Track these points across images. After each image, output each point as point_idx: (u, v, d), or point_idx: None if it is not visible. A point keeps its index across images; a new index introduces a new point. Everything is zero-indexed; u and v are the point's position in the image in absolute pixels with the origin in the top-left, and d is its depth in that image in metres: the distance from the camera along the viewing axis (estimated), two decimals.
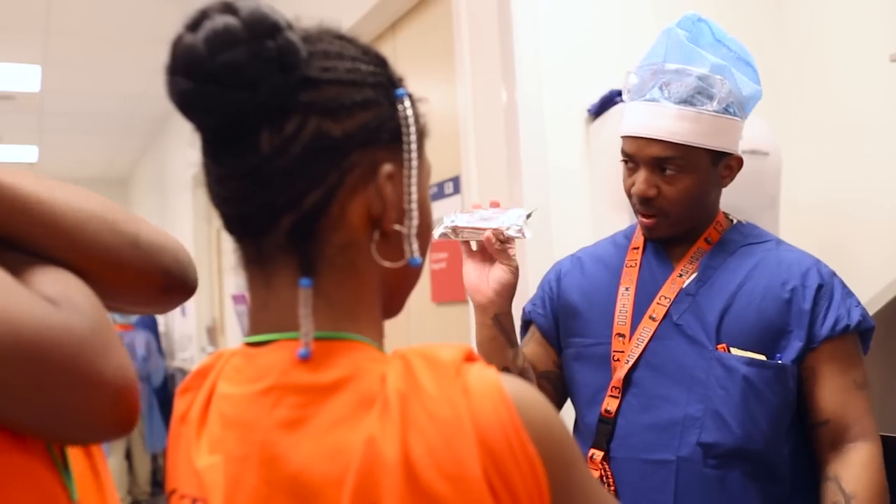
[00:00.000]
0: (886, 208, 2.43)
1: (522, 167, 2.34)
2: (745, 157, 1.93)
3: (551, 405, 0.77)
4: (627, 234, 1.69)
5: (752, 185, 2.19)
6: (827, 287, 1.50)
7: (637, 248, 1.62)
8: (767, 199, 2.24)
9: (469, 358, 0.76)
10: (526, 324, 1.75)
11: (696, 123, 1.47)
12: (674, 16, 1.67)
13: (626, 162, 1.55)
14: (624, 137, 1.55)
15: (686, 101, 1.48)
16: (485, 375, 0.74)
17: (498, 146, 2.45)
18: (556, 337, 1.67)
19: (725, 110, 1.50)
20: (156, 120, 8.03)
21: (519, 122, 2.35)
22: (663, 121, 1.48)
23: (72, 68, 6.40)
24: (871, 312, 1.84)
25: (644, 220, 1.55)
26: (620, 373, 1.51)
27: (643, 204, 1.53)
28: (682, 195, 1.50)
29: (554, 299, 1.68)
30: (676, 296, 1.53)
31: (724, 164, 1.54)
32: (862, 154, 2.50)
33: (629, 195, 1.56)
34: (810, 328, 1.47)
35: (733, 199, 2.08)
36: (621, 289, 1.58)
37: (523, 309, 1.75)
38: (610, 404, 1.52)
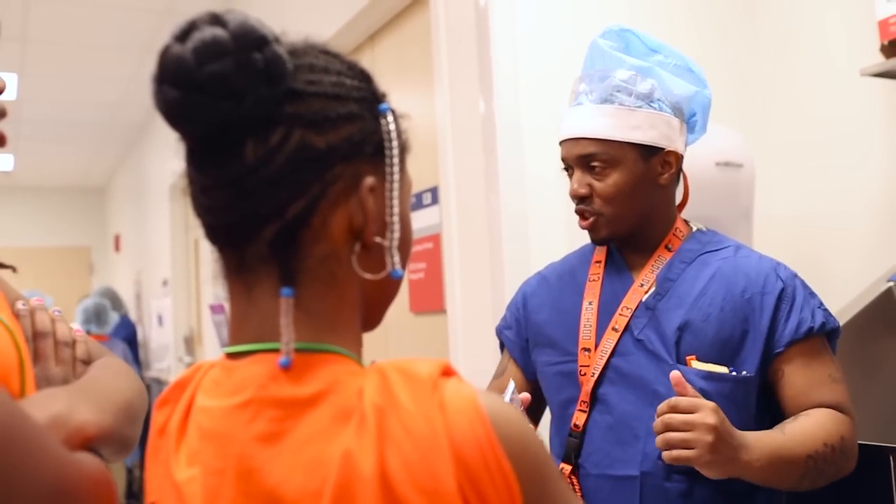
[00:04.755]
0: (859, 220, 2.47)
1: (500, 178, 2.35)
2: (718, 170, 1.93)
3: (527, 421, 0.78)
4: (592, 248, 1.68)
5: (726, 196, 2.22)
6: (788, 290, 1.49)
7: (599, 262, 1.63)
8: (741, 211, 2.27)
9: (446, 373, 0.77)
10: (501, 344, 1.77)
11: (614, 118, 1.51)
12: (650, 31, 1.69)
13: (565, 169, 1.59)
14: (561, 144, 1.59)
15: (606, 101, 1.53)
16: (461, 391, 0.75)
17: (476, 157, 2.47)
18: (527, 360, 1.68)
19: (649, 105, 1.52)
20: (133, 129, 7.98)
21: (497, 133, 2.36)
22: (585, 120, 1.53)
23: (49, 77, 6.36)
24: (842, 322, 1.86)
25: (582, 221, 1.56)
26: (588, 387, 1.52)
27: (579, 204, 1.55)
28: (613, 190, 1.51)
29: (521, 322, 1.69)
30: (637, 308, 1.52)
31: (658, 160, 1.54)
32: (834, 167, 2.54)
33: (572, 200, 1.58)
34: (772, 334, 1.47)
35: (708, 211, 2.10)
36: (585, 303, 1.59)
37: (496, 329, 1.77)
38: (578, 419, 1.52)
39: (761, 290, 1.49)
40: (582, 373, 1.54)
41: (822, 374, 1.47)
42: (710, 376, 1.44)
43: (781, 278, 1.51)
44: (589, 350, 1.54)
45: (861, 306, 2.01)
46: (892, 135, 2.40)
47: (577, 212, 1.56)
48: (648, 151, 1.52)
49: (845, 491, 1.52)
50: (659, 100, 1.53)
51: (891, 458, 1.58)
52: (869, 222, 2.45)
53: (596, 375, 1.51)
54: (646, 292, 1.54)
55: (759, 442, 1.36)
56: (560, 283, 1.67)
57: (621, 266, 1.60)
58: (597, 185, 1.52)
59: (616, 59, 1.56)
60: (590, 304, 1.58)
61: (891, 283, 2.03)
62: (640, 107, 1.51)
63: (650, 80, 1.53)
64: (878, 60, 2.19)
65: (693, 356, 1.46)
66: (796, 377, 1.47)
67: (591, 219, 1.54)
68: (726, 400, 1.42)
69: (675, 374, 1.34)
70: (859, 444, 1.50)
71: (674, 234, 1.59)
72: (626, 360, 1.50)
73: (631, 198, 1.53)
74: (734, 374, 1.45)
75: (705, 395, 1.41)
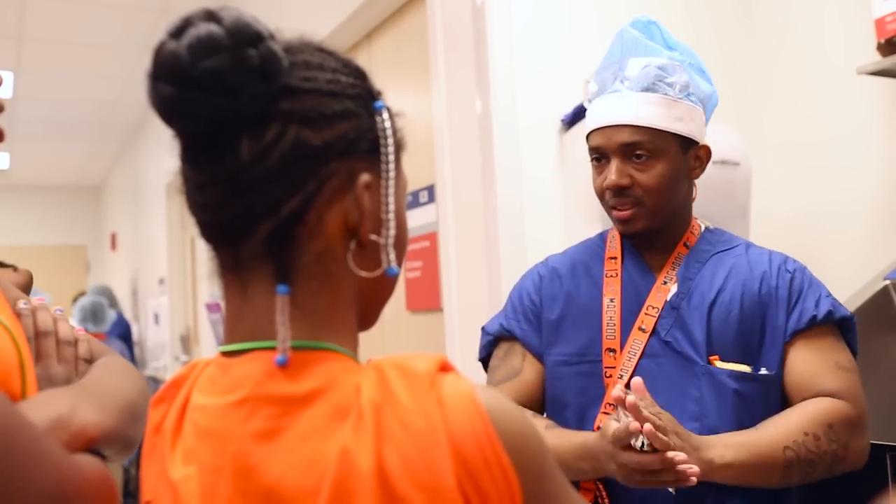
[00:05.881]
0: (856, 219, 2.47)
1: (497, 176, 2.35)
2: (715, 168, 1.90)
3: (526, 415, 0.78)
4: (600, 243, 1.64)
5: (724, 195, 2.21)
6: (796, 281, 1.48)
7: (615, 258, 1.57)
8: (738, 210, 2.27)
9: (443, 368, 0.76)
10: (496, 340, 1.64)
11: (660, 107, 1.47)
12: None
13: (596, 160, 1.53)
14: (591, 133, 1.53)
15: (648, 89, 1.48)
16: (459, 386, 0.75)
17: (472, 155, 2.46)
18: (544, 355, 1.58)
19: (687, 97, 1.50)
20: (130, 127, 7.97)
21: (493, 132, 2.36)
22: (629, 107, 1.47)
23: (45, 75, 6.34)
24: None
25: (619, 212, 1.50)
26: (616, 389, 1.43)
27: (618, 195, 1.48)
28: (656, 182, 1.47)
29: (537, 311, 1.59)
30: (663, 307, 1.48)
31: (692, 154, 1.52)
32: (831, 165, 2.54)
33: (601, 195, 1.52)
34: (784, 327, 1.46)
35: (705, 209, 2.09)
36: (606, 300, 1.52)
37: (498, 324, 1.64)
38: (604, 422, 1.43)
39: (775, 286, 1.48)
40: (608, 374, 1.48)
41: (828, 362, 1.44)
42: (743, 376, 1.42)
43: (789, 270, 1.50)
44: (614, 350, 1.49)
45: (857, 304, 2.01)
46: (889, 133, 2.40)
47: (613, 204, 1.50)
48: (686, 144, 1.50)
49: (842, 490, 1.51)
50: (692, 93, 1.50)
51: (887, 456, 1.58)
52: (866, 221, 2.45)
53: (626, 378, 1.45)
54: (669, 290, 1.50)
55: (722, 441, 1.34)
56: (573, 276, 1.60)
57: (640, 263, 1.55)
58: (639, 175, 1.47)
59: (650, 49, 1.52)
60: (611, 301, 1.52)
61: (887, 282, 2.04)
62: (681, 98, 1.48)
63: (685, 72, 1.50)
64: (875, 59, 2.19)
65: (716, 356, 1.43)
66: (798, 365, 1.45)
67: (632, 210, 1.48)
68: (759, 400, 1.40)
69: (636, 381, 1.31)
70: None
71: (690, 232, 1.57)
72: (655, 363, 1.46)
73: (670, 191, 1.49)
74: (759, 373, 1.44)
75: (740, 396, 1.40)
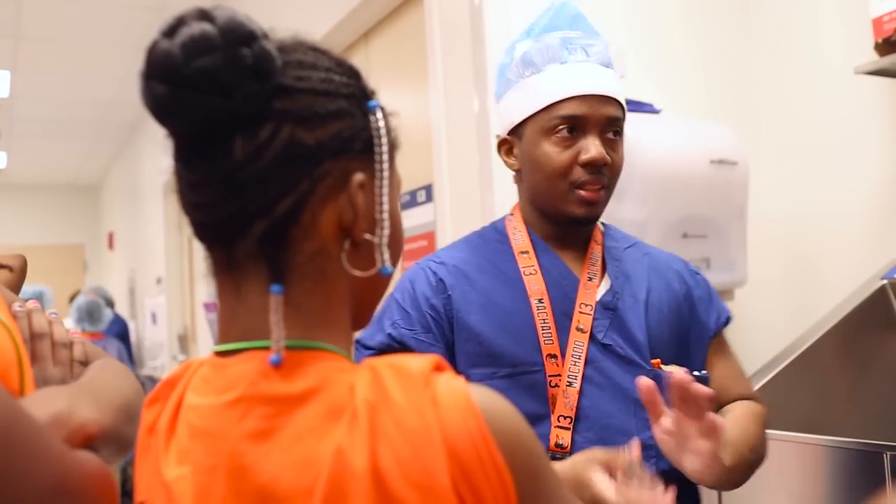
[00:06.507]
0: (853, 218, 2.47)
1: (494, 176, 2.35)
2: (713, 167, 1.88)
3: (520, 415, 0.78)
4: (500, 236, 1.46)
5: (721, 194, 2.21)
6: (702, 283, 1.46)
7: (527, 253, 1.40)
8: (736, 209, 2.27)
9: (438, 368, 0.76)
10: (386, 350, 1.36)
11: (620, 87, 1.38)
12: (643, 30, 1.68)
13: (568, 131, 1.34)
14: (568, 100, 1.33)
15: (608, 65, 1.37)
16: (453, 385, 0.74)
17: (470, 155, 2.46)
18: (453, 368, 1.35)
19: (621, 79, 1.42)
20: (127, 126, 7.97)
21: (491, 131, 2.36)
22: (609, 80, 1.35)
23: (42, 74, 6.34)
24: (836, 320, 1.86)
25: (590, 193, 1.33)
26: (572, 399, 1.30)
27: (596, 173, 1.33)
28: (621, 165, 1.36)
29: (440, 319, 1.36)
30: (595, 307, 1.35)
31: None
32: (828, 165, 2.54)
33: (566, 171, 1.34)
34: (705, 330, 1.43)
35: (702, 209, 2.09)
36: (533, 301, 1.35)
37: (385, 335, 1.38)
38: (562, 437, 1.29)
39: (692, 285, 1.45)
40: (553, 383, 1.31)
41: (735, 368, 1.45)
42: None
43: (695, 272, 1.48)
44: (556, 356, 1.32)
45: (855, 304, 2.01)
46: (887, 133, 2.40)
47: (585, 181, 1.33)
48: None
49: (840, 489, 1.52)
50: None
51: (885, 456, 1.58)
52: (863, 220, 2.45)
53: (577, 385, 1.31)
54: (597, 287, 1.37)
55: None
56: (484, 276, 1.39)
57: (555, 258, 1.40)
58: (612, 154, 1.34)
59: (589, 27, 1.42)
60: (540, 301, 1.35)
61: (884, 282, 2.04)
62: (620, 80, 1.40)
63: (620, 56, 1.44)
64: (873, 58, 2.19)
65: (658, 360, 1.35)
66: (717, 370, 1.43)
67: (601, 191, 1.34)
68: None
69: (644, 381, 1.14)
70: (854, 441, 1.50)
71: (598, 228, 1.46)
72: (595, 368, 1.32)
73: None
74: (696, 373, 1.33)
75: None
